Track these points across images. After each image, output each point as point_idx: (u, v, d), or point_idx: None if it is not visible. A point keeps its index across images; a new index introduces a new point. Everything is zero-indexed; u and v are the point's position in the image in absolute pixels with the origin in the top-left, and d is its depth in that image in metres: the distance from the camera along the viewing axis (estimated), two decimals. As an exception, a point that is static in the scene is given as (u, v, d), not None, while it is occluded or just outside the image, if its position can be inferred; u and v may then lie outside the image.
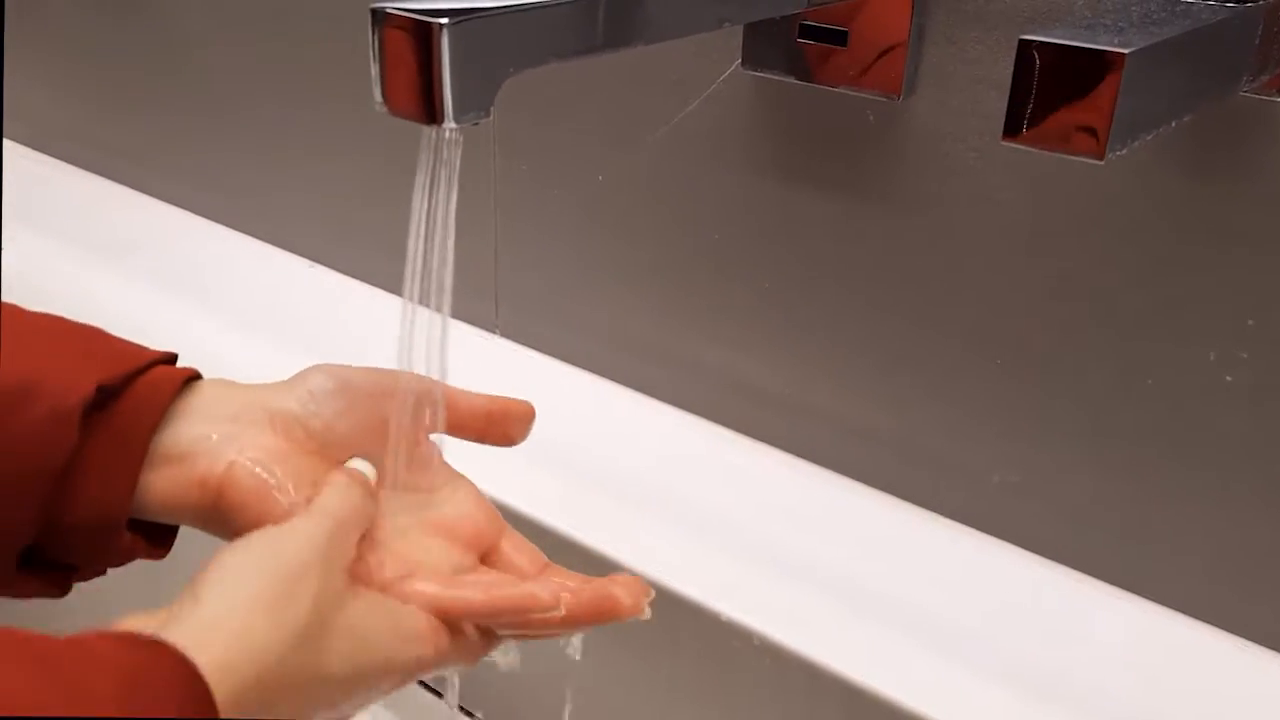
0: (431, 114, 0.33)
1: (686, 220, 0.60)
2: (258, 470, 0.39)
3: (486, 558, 0.42)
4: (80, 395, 0.38)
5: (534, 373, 0.69)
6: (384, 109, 0.35)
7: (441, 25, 0.32)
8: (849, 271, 0.55)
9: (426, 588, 0.38)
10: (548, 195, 0.66)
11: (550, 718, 0.58)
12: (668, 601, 0.51)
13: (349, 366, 0.43)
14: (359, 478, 0.39)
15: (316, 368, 0.43)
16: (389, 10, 0.33)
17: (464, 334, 0.71)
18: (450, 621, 0.38)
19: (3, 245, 0.85)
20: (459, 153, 0.36)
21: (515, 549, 0.42)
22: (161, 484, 0.39)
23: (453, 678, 0.51)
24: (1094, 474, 0.51)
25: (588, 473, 0.60)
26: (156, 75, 0.87)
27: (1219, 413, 0.47)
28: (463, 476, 0.44)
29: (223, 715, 0.30)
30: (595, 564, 0.53)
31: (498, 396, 0.44)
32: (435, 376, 0.41)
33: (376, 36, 0.33)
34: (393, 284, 0.77)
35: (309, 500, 0.38)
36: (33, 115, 1.01)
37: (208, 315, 0.75)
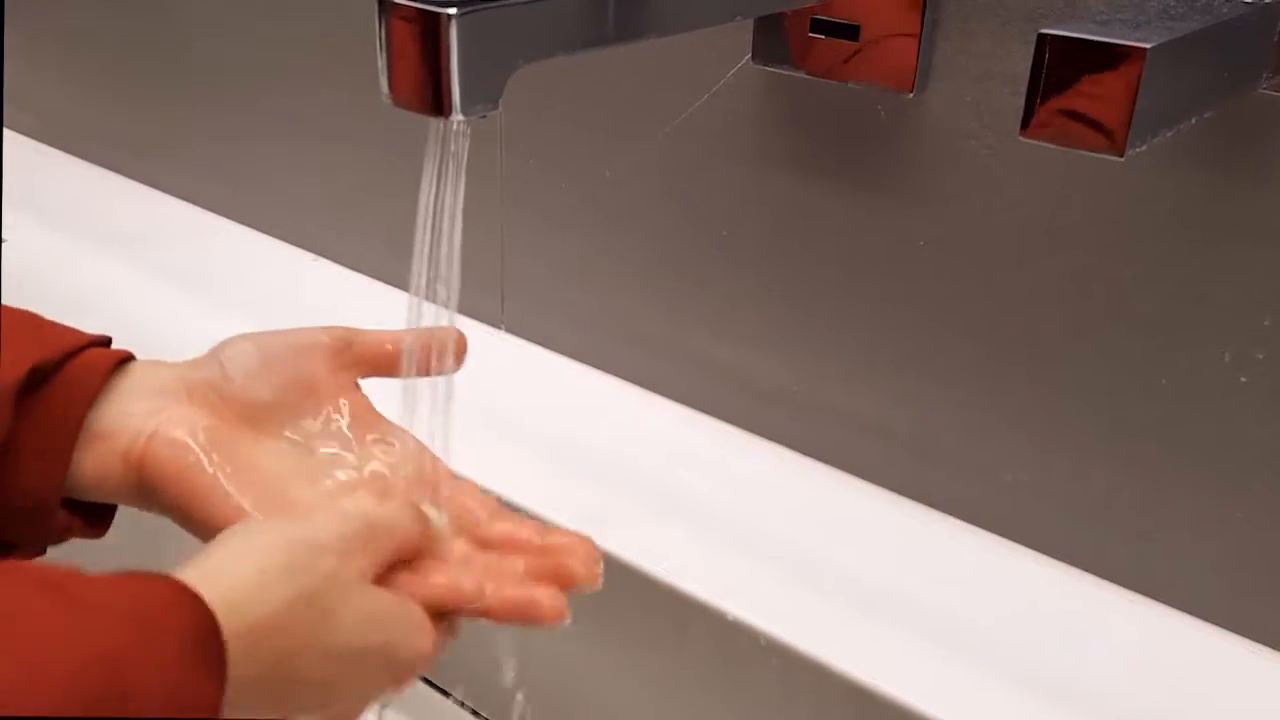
0: (439, 106, 0.33)
1: (695, 215, 0.60)
2: (174, 440, 0.39)
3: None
4: (14, 377, 0.38)
5: (540, 369, 0.68)
6: (390, 101, 0.34)
7: (450, 16, 0.32)
8: (860, 267, 0.54)
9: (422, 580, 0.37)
10: (555, 190, 0.65)
11: (555, 717, 0.58)
12: (674, 600, 0.51)
13: (266, 331, 0.43)
14: (414, 508, 0.39)
15: (234, 337, 0.43)
16: (397, 1, 0.33)
17: (469, 329, 0.70)
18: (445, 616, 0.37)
19: (4, 238, 0.85)
20: (467, 145, 0.35)
21: (462, 492, 0.42)
22: (90, 462, 0.40)
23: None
24: (1107, 474, 0.50)
25: (593, 469, 0.59)
26: (160, 67, 0.87)
27: (1234, 413, 0.46)
28: (399, 427, 0.44)
29: (230, 651, 0.30)
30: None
31: (423, 330, 0.43)
32: (437, 431, 0.41)
33: (383, 27, 0.33)
34: (396, 277, 0.77)
35: (234, 472, 0.39)
36: (37, 106, 1.00)
37: (211, 308, 0.75)
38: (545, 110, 0.63)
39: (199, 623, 0.30)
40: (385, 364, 0.44)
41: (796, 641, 0.48)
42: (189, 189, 0.89)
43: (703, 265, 0.60)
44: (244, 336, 0.43)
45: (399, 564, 0.37)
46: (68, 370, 0.40)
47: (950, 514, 0.56)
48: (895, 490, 0.57)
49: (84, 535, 0.42)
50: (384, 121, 0.72)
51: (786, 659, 0.48)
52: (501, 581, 0.38)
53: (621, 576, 0.52)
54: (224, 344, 0.43)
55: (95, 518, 0.42)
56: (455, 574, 0.38)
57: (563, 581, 0.38)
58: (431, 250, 0.37)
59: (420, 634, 0.36)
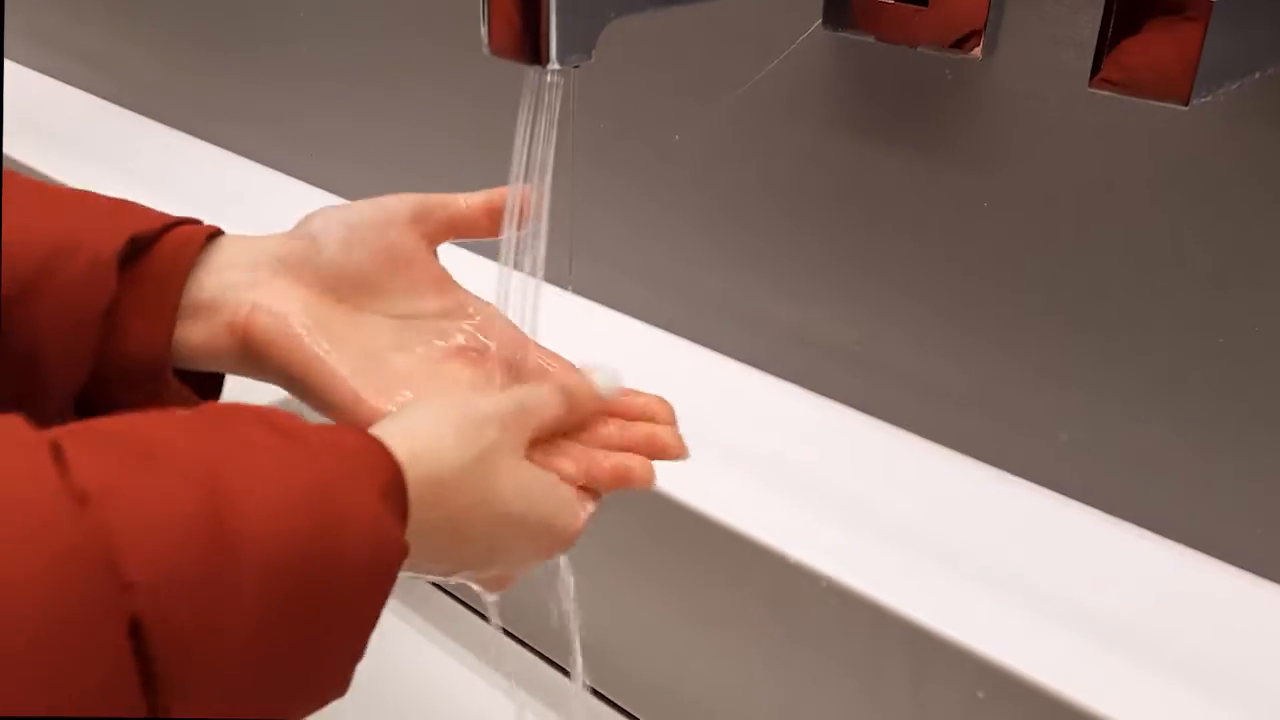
0: (536, 54, 0.35)
1: (763, 178, 0.61)
2: (275, 312, 0.42)
3: (519, 372, 0.44)
4: (115, 246, 0.40)
5: (606, 328, 0.70)
6: (489, 51, 0.37)
7: (550, -31, 0.34)
8: (923, 228, 0.56)
9: (569, 464, 0.41)
10: (624, 152, 0.67)
11: (609, 655, 0.60)
12: (737, 544, 0.53)
13: (348, 205, 0.45)
14: (561, 390, 0.42)
15: (318, 211, 0.45)
16: (499, -44, 0.35)
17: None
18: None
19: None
20: (560, 97, 0.37)
21: (545, 358, 0.45)
22: (196, 333, 0.42)
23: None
24: (1163, 431, 0.51)
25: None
26: (234, 31, 0.90)
27: (1291, 371, 0.47)
28: (479, 297, 0.46)
29: (411, 498, 0.34)
30: (665, 506, 0.55)
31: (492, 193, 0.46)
32: (527, 320, 0.43)
33: (487, -20, 0.35)
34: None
35: (333, 343, 0.41)
36: (115, 70, 1.04)
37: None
38: (617, 73, 0.65)
39: (390, 470, 0.33)
40: (465, 226, 0.46)
41: (855, 583, 0.50)
42: (259, 150, 0.93)
43: (768, 227, 0.62)
44: (329, 210, 0.44)
45: (542, 440, 0.40)
46: (165, 242, 0.42)
47: (1005, 469, 0.57)
48: (952, 447, 0.59)
49: (198, 402, 0.44)
50: (455, 84, 0.75)
51: (845, 600, 0.50)
52: (604, 454, 0.41)
53: (685, 521, 0.55)
54: (310, 217, 0.45)
55: (207, 387, 0.44)
56: (592, 456, 0.41)
57: (654, 452, 0.42)
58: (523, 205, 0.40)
59: (570, 509, 0.39)
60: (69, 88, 1.11)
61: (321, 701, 0.32)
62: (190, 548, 0.27)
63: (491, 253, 0.77)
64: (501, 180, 0.43)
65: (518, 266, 0.44)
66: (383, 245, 0.44)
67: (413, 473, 0.34)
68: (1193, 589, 0.50)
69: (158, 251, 0.42)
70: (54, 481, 0.26)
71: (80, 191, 0.45)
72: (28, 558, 0.25)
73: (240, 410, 0.33)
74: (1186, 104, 0.32)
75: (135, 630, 0.26)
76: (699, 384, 0.65)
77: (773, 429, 0.61)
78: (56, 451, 0.27)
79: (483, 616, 0.67)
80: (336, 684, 0.32)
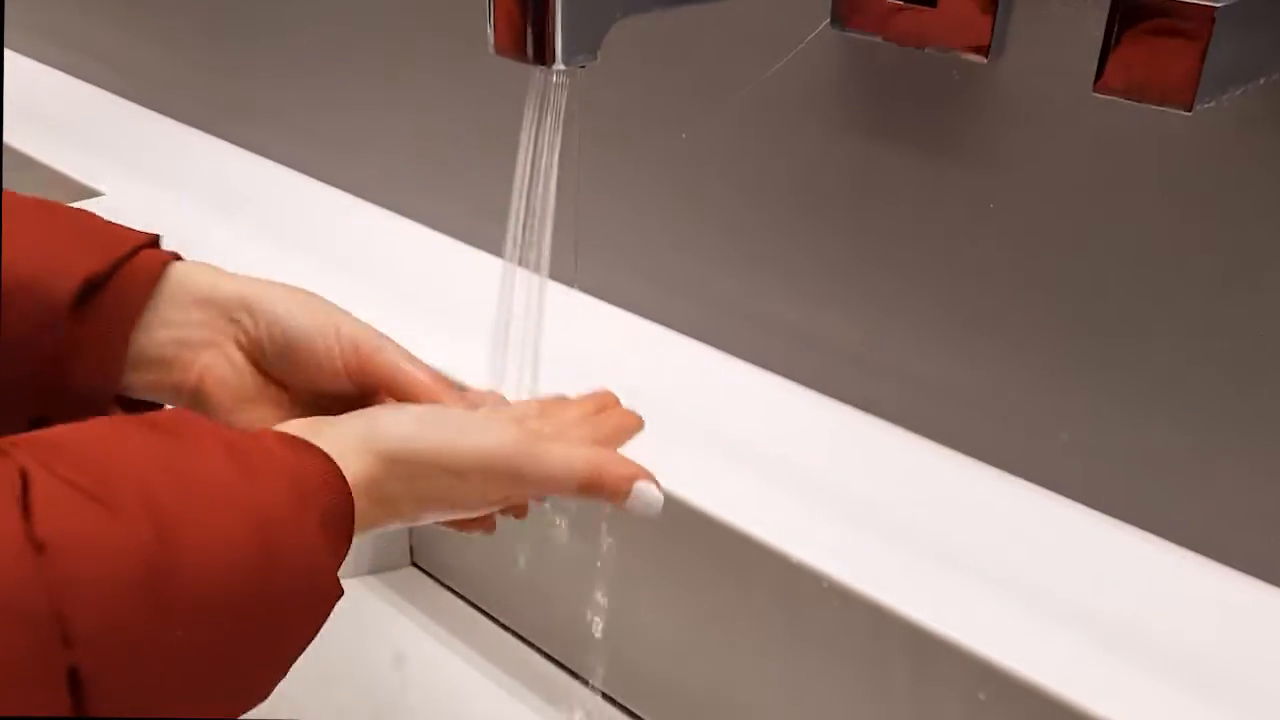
0: (541, 55, 0.35)
1: (769, 177, 0.62)
2: (223, 380, 0.43)
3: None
4: (68, 288, 0.41)
5: (611, 325, 0.71)
6: (494, 51, 0.37)
7: (556, -30, 0.34)
8: (930, 229, 0.56)
9: None
10: (631, 149, 0.67)
11: (610, 653, 0.61)
12: (741, 543, 0.53)
13: (293, 309, 0.44)
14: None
15: (266, 298, 0.44)
16: (504, -44, 0.35)
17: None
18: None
19: (102, 193, 0.89)
20: (565, 97, 0.37)
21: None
22: (142, 381, 0.44)
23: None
24: (1166, 434, 0.51)
25: (663, 421, 0.61)
26: (251, 29, 0.90)
27: (1295, 376, 0.47)
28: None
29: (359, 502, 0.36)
30: (668, 504, 0.55)
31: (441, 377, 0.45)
32: (532, 316, 0.43)
33: (493, -19, 0.35)
34: (475, 237, 0.80)
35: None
36: (133, 67, 1.04)
37: (297, 262, 0.78)
38: (624, 71, 0.65)
39: (335, 493, 0.35)
40: (404, 393, 0.44)
41: (856, 583, 0.50)
42: (275, 149, 0.93)
43: (775, 226, 0.62)
44: (275, 308, 0.44)
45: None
46: (117, 280, 0.43)
47: (1008, 471, 0.57)
48: (955, 447, 0.59)
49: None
50: (470, 85, 0.75)
51: (847, 600, 0.50)
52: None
53: (688, 519, 0.55)
54: (257, 304, 0.44)
55: (146, 409, 0.45)
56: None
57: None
58: (528, 198, 0.40)
59: (516, 436, 0.40)
60: (78, 81, 1.11)
61: (242, 711, 0.34)
62: (133, 598, 0.29)
63: (496, 249, 0.77)
64: (507, 177, 0.43)
65: (522, 263, 0.44)
66: (319, 373, 0.44)
67: (368, 453, 0.36)
68: (1194, 591, 0.50)
69: (109, 291, 0.43)
70: (16, 526, 0.28)
71: (45, 209, 0.45)
72: None
73: (197, 427, 0.34)
74: (1190, 110, 0.32)
75: (73, 679, 0.28)
76: (704, 382, 0.65)
77: (777, 428, 0.61)
78: (25, 482, 0.29)
79: (491, 617, 0.68)
80: (259, 697, 0.34)
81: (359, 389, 0.44)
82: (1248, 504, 0.50)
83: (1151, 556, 0.52)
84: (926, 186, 0.55)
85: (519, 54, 0.36)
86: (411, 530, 0.70)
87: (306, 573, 0.33)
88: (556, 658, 0.64)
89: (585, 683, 0.61)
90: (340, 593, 0.34)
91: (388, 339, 0.44)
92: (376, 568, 0.70)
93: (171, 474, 0.32)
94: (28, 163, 0.93)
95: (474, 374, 0.48)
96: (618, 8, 0.36)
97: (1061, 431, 0.55)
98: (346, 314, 0.45)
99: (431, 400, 0.43)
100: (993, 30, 0.50)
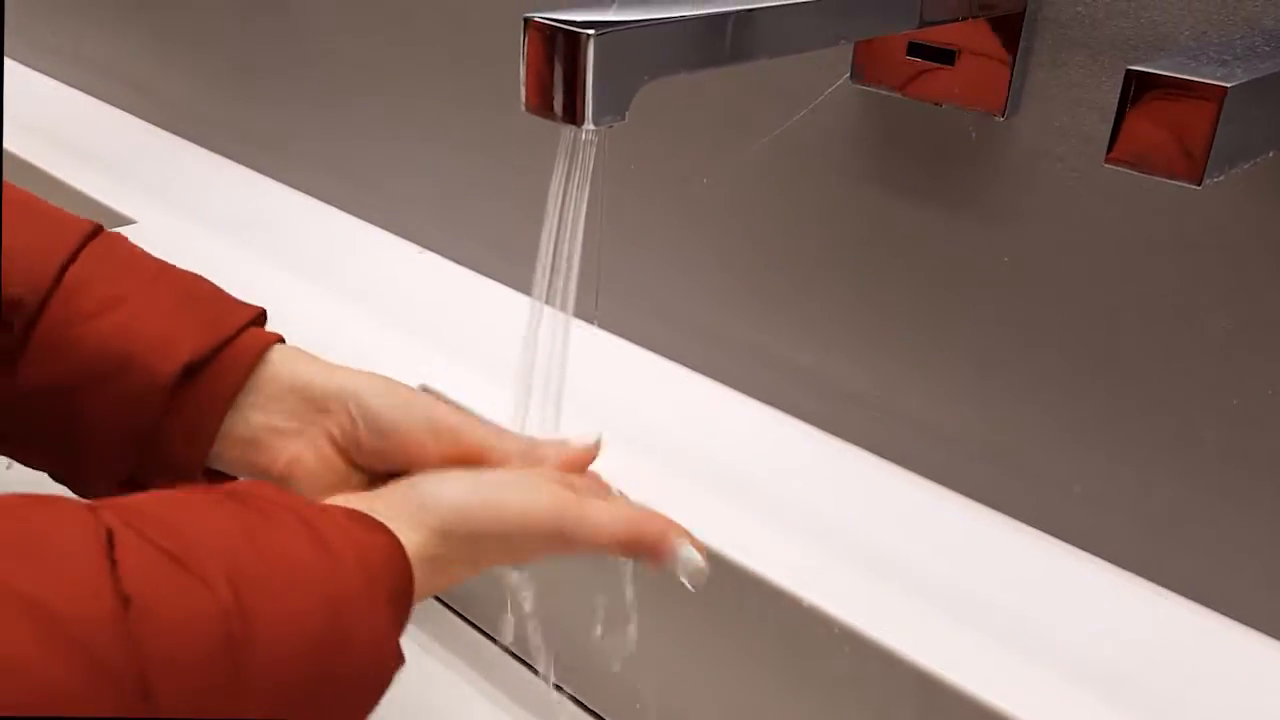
0: (573, 115, 0.36)
1: (786, 225, 0.63)
2: (312, 472, 0.44)
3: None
4: (170, 371, 0.43)
5: (629, 363, 0.72)
6: (527, 109, 0.38)
7: (589, 35, 0.35)
8: (943, 281, 0.57)
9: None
10: (652, 194, 0.69)
11: (617, 692, 0.61)
12: (751, 585, 0.54)
13: (397, 405, 0.45)
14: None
15: (369, 397, 0.45)
16: (539, 20, 0.36)
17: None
18: None
19: (136, 221, 0.90)
20: (594, 154, 0.39)
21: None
22: (230, 459, 0.45)
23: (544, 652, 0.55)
24: (1175, 489, 0.52)
25: (675, 459, 0.62)
26: (283, 64, 0.92)
27: (1303, 435, 0.48)
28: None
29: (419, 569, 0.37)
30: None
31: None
32: (556, 356, 0.45)
33: (526, 43, 0.37)
34: (496, 271, 0.81)
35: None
36: (165, 98, 1.07)
37: (321, 293, 0.79)
38: (648, 119, 0.67)
39: (400, 575, 0.36)
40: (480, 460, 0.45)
41: (867, 629, 0.51)
42: (304, 180, 0.95)
43: (791, 272, 0.63)
44: (371, 404, 0.45)
45: None
46: (218, 362, 0.45)
47: (1020, 520, 0.58)
48: (967, 495, 0.60)
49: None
50: (499, 123, 0.77)
51: (857, 646, 0.51)
52: None
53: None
54: (354, 399, 0.45)
55: (230, 479, 0.47)
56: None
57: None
58: (555, 250, 0.41)
59: (558, 497, 0.41)
60: (112, 109, 1.14)
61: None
62: (212, 666, 0.30)
63: (519, 284, 0.78)
64: (531, 213, 0.45)
65: (549, 303, 0.45)
66: (411, 464, 0.45)
67: (423, 527, 0.37)
68: (1203, 646, 0.51)
69: (209, 372, 0.44)
70: (105, 576, 0.29)
71: (161, 275, 0.47)
72: (72, 665, 0.28)
73: (275, 500, 0.35)
74: (1199, 185, 0.33)
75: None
76: (717, 422, 0.66)
77: (789, 470, 0.62)
78: (110, 541, 0.30)
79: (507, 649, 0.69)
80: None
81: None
82: (1257, 559, 0.51)
83: (1161, 609, 0.53)
84: (941, 239, 0.56)
85: (549, 113, 0.37)
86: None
87: (374, 650, 0.34)
88: (560, 684, 0.65)
89: (591, 712, 0.61)
90: (402, 661, 0.35)
91: (476, 418, 0.45)
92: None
93: (253, 546, 0.33)
94: (60, 188, 0.95)
95: (496, 408, 0.49)
96: (646, 70, 0.37)
97: (1074, 483, 0.56)
98: (440, 403, 0.46)
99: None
100: (1009, 90, 0.51)
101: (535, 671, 0.66)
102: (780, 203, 0.63)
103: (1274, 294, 0.47)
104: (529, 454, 0.45)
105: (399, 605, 0.36)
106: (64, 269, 0.44)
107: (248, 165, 1.00)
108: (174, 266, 0.48)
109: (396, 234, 0.88)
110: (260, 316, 0.47)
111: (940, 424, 0.60)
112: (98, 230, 0.47)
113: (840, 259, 0.61)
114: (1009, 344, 0.56)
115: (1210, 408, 0.50)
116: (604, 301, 0.74)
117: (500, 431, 0.45)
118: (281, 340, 0.47)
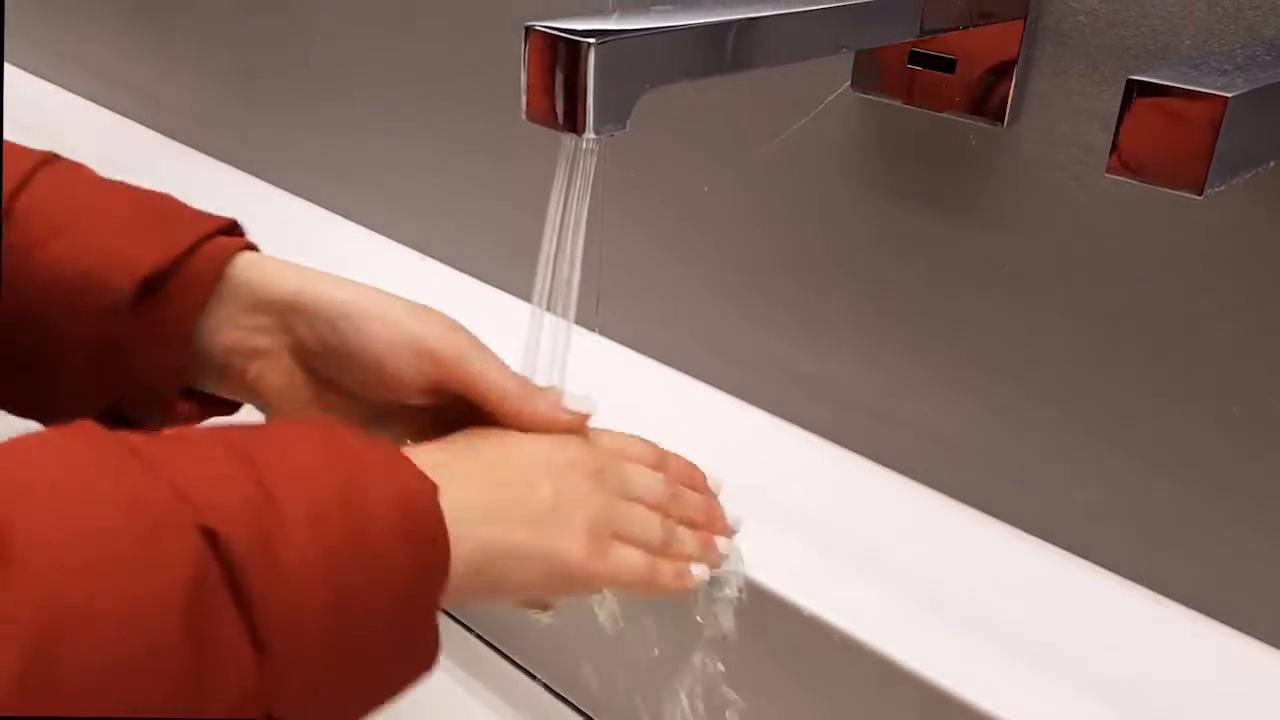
0: (574, 124, 0.36)
1: (788, 232, 0.63)
2: (278, 386, 0.44)
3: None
4: (126, 288, 0.42)
5: (630, 370, 0.72)
6: (527, 118, 0.38)
7: (590, 45, 0.35)
8: (944, 288, 0.57)
9: None
10: (653, 201, 0.69)
11: (615, 701, 0.61)
12: (751, 593, 0.54)
13: (388, 319, 0.43)
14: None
15: (357, 311, 0.43)
16: (540, 28, 0.36)
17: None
18: None
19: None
20: (594, 162, 0.39)
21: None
22: (208, 380, 0.45)
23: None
24: (1176, 498, 0.52)
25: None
26: (285, 70, 0.92)
27: (1304, 444, 0.48)
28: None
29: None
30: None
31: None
32: (557, 362, 0.44)
33: (527, 51, 0.37)
34: (497, 278, 0.81)
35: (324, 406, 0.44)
36: (167, 103, 1.07)
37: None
38: (649, 126, 0.67)
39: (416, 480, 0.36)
40: (485, 404, 0.43)
41: (868, 638, 0.51)
42: (305, 186, 0.95)
43: (792, 279, 0.63)
44: (335, 317, 0.43)
45: None
46: (178, 277, 0.43)
47: (1021, 528, 0.58)
48: (968, 503, 0.60)
49: (215, 415, 0.46)
50: (495, 132, 0.77)
51: (857, 654, 0.51)
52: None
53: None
54: (315, 310, 0.43)
55: (220, 405, 0.46)
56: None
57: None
58: (556, 257, 0.41)
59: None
60: (113, 114, 1.14)
61: (412, 666, 0.34)
62: (240, 486, 0.31)
63: (520, 291, 0.78)
64: (532, 220, 0.45)
65: (550, 310, 0.45)
66: (386, 388, 0.43)
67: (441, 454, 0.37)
68: (1203, 654, 0.51)
69: (171, 287, 0.43)
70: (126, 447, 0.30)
71: (117, 193, 0.45)
72: (109, 503, 0.29)
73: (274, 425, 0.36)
74: (1200, 194, 0.33)
75: (208, 535, 0.29)
76: (717, 428, 0.66)
77: (791, 478, 0.62)
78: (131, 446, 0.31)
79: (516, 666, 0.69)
80: (420, 648, 0.35)
81: (434, 400, 0.43)
82: (1259, 569, 0.51)
83: (1162, 618, 0.53)
84: (942, 246, 0.56)
85: (550, 122, 0.37)
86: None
87: (395, 481, 0.34)
88: (572, 700, 0.65)
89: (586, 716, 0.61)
90: (435, 486, 0.35)
91: (467, 342, 0.43)
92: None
93: (248, 437, 0.34)
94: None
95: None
96: (647, 79, 0.37)
97: (1074, 491, 0.55)
98: (421, 318, 0.43)
99: (517, 407, 0.42)
100: (1010, 99, 0.51)
101: (530, 675, 0.66)
102: (781, 211, 0.63)
103: (1275, 303, 0.47)
104: (523, 397, 0.43)
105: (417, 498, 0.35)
106: (13, 198, 0.42)
107: (248, 171, 1.00)
108: (136, 187, 0.46)
109: (398, 241, 0.88)
110: (230, 226, 0.45)
111: (941, 432, 0.60)
112: (52, 158, 0.45)
113: (841, 267, 0.61)
114: (1009, 352, 0.56)
115: (1212, 417, 0.50)
116: (605, 308, 0.74)
117: (502, 372, 0.43)
118: (252, 248, 0.45)
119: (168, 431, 0.33)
